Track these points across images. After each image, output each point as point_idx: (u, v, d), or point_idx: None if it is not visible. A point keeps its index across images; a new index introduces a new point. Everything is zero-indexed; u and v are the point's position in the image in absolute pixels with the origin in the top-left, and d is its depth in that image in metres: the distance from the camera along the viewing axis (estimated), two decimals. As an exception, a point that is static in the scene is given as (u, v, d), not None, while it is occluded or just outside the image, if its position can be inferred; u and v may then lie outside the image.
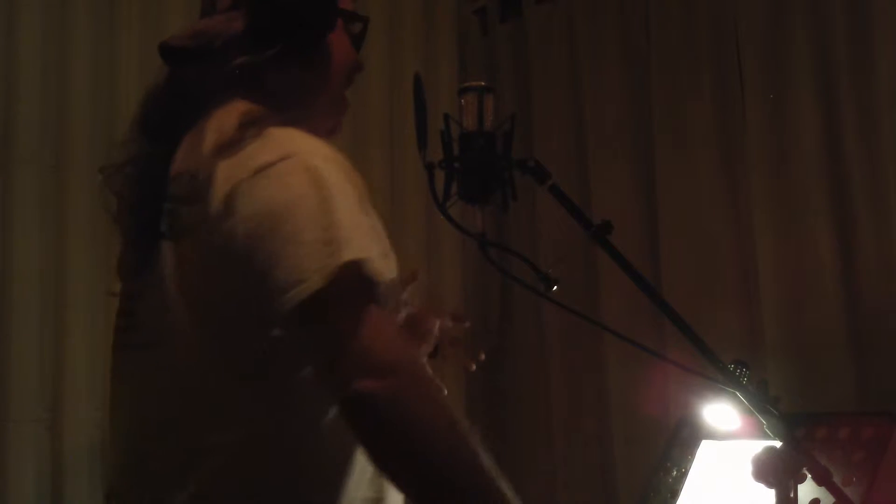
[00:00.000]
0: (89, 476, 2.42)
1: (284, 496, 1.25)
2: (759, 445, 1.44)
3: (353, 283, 1.14)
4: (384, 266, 1.19)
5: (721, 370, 1.45)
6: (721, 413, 2.02)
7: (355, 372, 1.12)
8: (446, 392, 1.23)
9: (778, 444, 1.42)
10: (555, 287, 1.47)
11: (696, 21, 2.84)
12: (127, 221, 1.39)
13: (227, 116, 1.29)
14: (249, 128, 1.25)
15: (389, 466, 1.16)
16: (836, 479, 1.42)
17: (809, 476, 1.42)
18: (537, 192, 1.51)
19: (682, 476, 2.17)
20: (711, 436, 2.15)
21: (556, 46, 3.14)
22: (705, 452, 2.18)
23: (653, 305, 1.50)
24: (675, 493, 2.15)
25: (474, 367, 1.79)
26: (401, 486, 1.20)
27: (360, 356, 1.12)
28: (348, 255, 1.14)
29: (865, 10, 2.49)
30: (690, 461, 2.19)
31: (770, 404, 1.43)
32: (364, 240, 1.18)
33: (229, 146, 1.23)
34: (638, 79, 2.96)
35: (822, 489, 1.44)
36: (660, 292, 1.60)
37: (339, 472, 1.28)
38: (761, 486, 1.43)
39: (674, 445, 2.26)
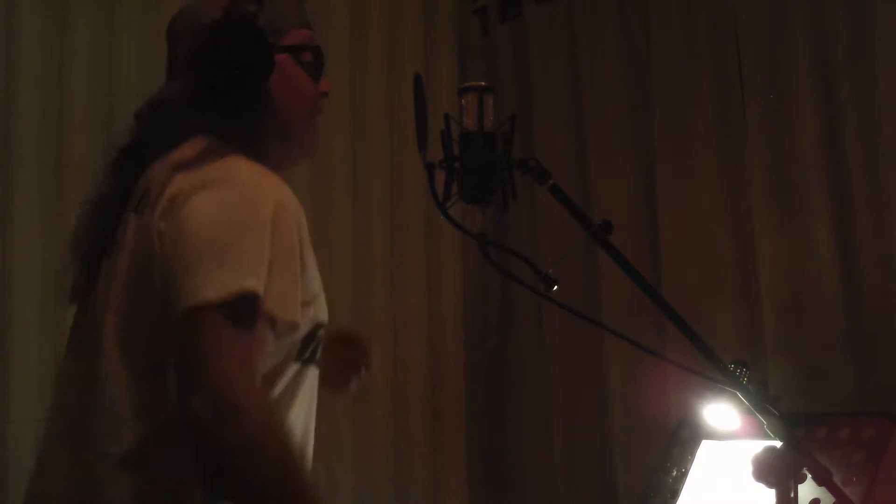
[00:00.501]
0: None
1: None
2: (759, 445, 1.44)
3: (242, 312, 1.23)
4: (285, 311, 1.28)
5: (721, 370, 1.45)
6: (721, 413, 2.02)
7: (202, 399, 1.19)
8: (288, 438, 1.28)
9: (778, 444, 1.42)
10: (555, 287, 1.47)
11: (696, 21, 2.84)
12: (78, 244, 1.52)
13: (191, 146, 1.40)
14: (212, 152, 1.37)
15: (210, 483, 1.24)
16: (836, 479, 1.42)
17: (809, 476, 1.42)
18: (537, 192, 1.51)
19: (682, 476, 2.17)
20: (711, 436, 2.15)
21: (556, 46, 3.14)
22: (705, 452, 2.18)
23: (653, 305, 1.50)
24: (675, 493, 2.15)
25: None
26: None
27: (215, 385, 1.19)
28: (249, 285, 1.23)
29: (865, 10, 2.49)
30: (690, 461, 2.19)
31: (770, 404, 1.43)
32: (258, 277, 1.25)
33: (188, 165, 1.35)
34: (638, 79, 2.96)
35: (822, 489, 1.43)
36: (660, 292, 1.60)
37: None
38: (761, 486, 1.43)
39: (674, 445, 2.26)
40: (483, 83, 1.50)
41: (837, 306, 2.49)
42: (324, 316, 1.43)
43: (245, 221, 1.28)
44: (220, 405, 1.18)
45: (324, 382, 1.49)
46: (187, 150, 1.39)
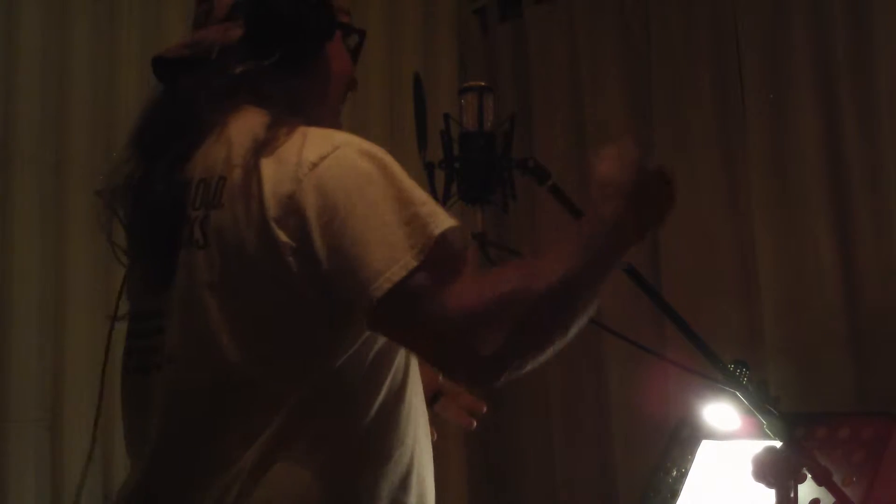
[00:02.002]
0: (89, 476, 2.42)
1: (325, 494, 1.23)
2: (759, 445, 1.44)
3: (444, 255, 1.16)
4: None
5: (721, 370, 1.46)
6: (721, 413, 2.02)
7: (466, 355, 1.14)
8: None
9: (778, 444, 1.42)
10: (555, 287, 1.46)
11: (696, 21, 2.84)
12: (136, 239, 1.37)
13: (249, 119, 1.28)
14: (280, 127, 1.24)
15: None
16: (836, 479, 1.43)
17: (809, 476, 1.42)
18: (537, 192, 1.51)
19: (682, 476, 2.17)
20: (711, 436, 2.15)
21: (556, 46, 3.14)
22: (705, 452, 2.18)
23: (653, 305, 1.50)
24: (675, 493, 2.15)
25: (475, 424, 1.76)
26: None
27: (467, 334, 1.14)
28: (436, 228, 1.16)
29: (865, 10, 2.48)
30: (690, 461, 2.19)
31: (770, 404, 1.43)
32: (441, 210, 1.19)
33: (266, 145, 1.22)
34: (638, 79, 2.96)
35: (822, 489, 1.44)
36: (660, 292, 1.60)
37: (377, 469, 1.27)
38: (761, 486, 1.43)
39: (674, 445, 2.26)
40: (483, 83, 1.50)
41: (837, 306, 2.49)
42: None
43: (389, 176, 1.19)
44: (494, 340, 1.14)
45: None
46: (247, 122, 1.27)
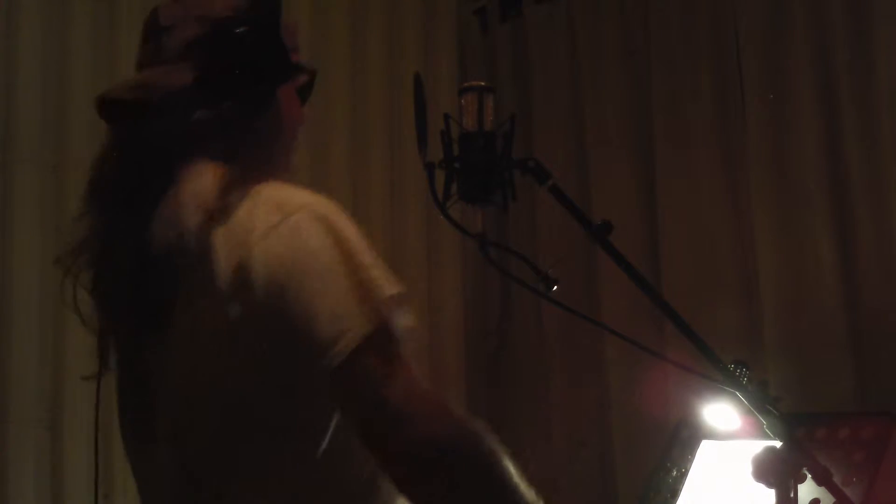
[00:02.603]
0: (89, 476, 2.42)
1: None
2: (759, 445, 1.44)
3: (395, 321, 1.13)
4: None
5: (721, 370, 1.45)
6: (721, 413, 2.02)
7: (403, 424, 1.10)
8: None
9: (778, 444, 1.42)
10: (555, 287, 1.47)
11: (696, 21, 2.84)
12: (110, 303, 1.32)
13: (201, 180, 1.22)
14: (232, 191, 1.19)
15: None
16: (836, 479, 1.42)
17: (809, 476, 1.42)
18: (537, 192, 1.51)
19: (682, 476, 2.17)
20: (711, 436, 2.15)
21: (557, 46, 3.14)
22: (705, 452, 2.18)
23: (653, 305, 1.50)
24: (675, 493, 2.15)
25: None
26: None
27: (407, 408, 1.10)
28: (384, 292, 1.13)
29: (865, 10, 2.49)
30: (690, 461, 2.19)
31: (770, 404, 1.43)
32: (388, 276, 1.16)
33: (219, 213, 1.18)
34: (638, 79, 2.96)
35: (822, 489, 1.43)
36: (660, 292, 1.60)
37: None
38: (761, 486, 1.43)
39: (674, 445, 2.26)
40: (483, 83, 1.50)
41: (837, 306, 2.49)
42: None
43: (340, 242, 1.15)
44: (435, 431, 1.10)
45: None
46: (198, 183, 1.21)
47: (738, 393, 1.45)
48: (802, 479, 1.42)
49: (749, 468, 1.44)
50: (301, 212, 1.16)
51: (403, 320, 1.15)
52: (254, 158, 1.26)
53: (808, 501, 1.73)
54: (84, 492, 2.41)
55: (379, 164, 3.10)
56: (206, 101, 1.26)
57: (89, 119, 2.49)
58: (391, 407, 1.10)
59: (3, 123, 2.44)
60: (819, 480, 1.41)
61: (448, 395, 3.10)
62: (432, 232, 3.14)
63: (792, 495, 1.41)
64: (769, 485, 1.42)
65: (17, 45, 2.46)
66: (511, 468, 1.18)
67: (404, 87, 2.99)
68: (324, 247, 1.14)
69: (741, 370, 1.50)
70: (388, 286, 1.14)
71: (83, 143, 2.50)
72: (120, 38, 2.60)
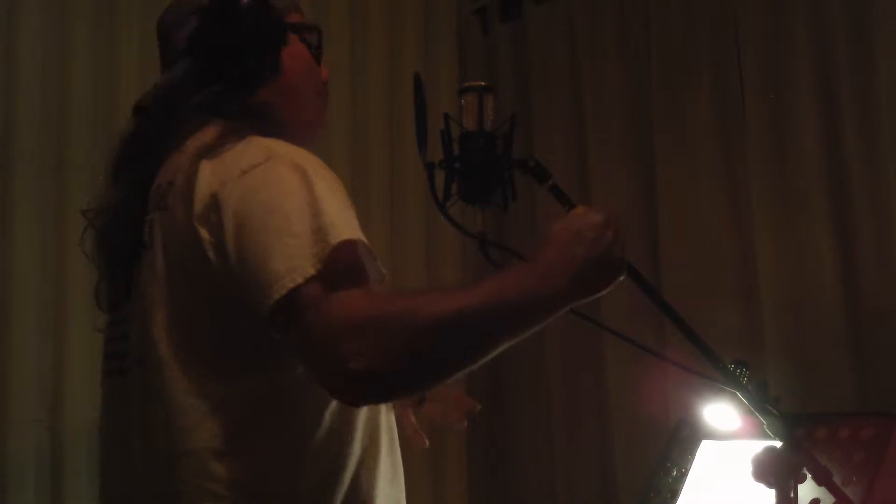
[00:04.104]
0: (89, 476, 2.42)
1: (286, 495, 1.26)
2: (759, 445, 1.44)
3: (345, 265, 1.15)
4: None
5: (721, 370, 1.45)
6: (721, 413, 2.02)
7: (333, 364, 1.11)
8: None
9: (778, 444, 1.42)
10: (555, 287, 1.46)
11: (696, 21, 2.84)
12: (103, 254, 1.43)
13: (209, 131, 1.33)
14: (229, 136, 1.28)
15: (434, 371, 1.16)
16: (836, 479, 1.42)
17: (809, 476, 1.42)
18: (537, 192, 1.51)
19: (682, 476, 2.17)
20: (711, 436, 2.15)
21: (556, 46, 3.14)
22: (705, 452, 2.18)
23: (653, 305, 1.50)
24: (675, 493, 2.15)
25: (466, 424, 1.78)
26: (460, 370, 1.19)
27: (339, 342, 1.10)
28: (336, 238, 1.15)
29: (865, 10, 2.48)
30: (690, 461, 2.19)
31: (770, 404, 1.43)
32: (353, 223, 1.19)
33: (210, 149, 1.27)
34: (638, 79, 2.96)
35: (822, 489, 1.43)
36: (660, 292, 1.60)
37: (340, 468, 1.29)
38: (761, 486, 1.43)
39: (674, 445, 2.26)
40: (483, 83, 1.50)
41: (837, 306, 2.49)
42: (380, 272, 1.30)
43: (311, 188, 1.19)
44: (367, 336, 1.10)
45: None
46: (204, 136, 1.33)
47: (738, 393, 1.45)
48: (802, 479, 1.42)
49: (749, 468, 1.44)
50: (281, 157, 1.23)
51: (363, 264, 1.17)
52: (267, 121, 1.35)
53: (808, 501, 1.73)
54: (84, 492, 2.41)
55: (379, 164, 3.10)
56: (214, 82, 1.37)
57: (89, 119, 2.52)
58: (317, 333, 1.12)
59: (3, 123, 2.44)
60: (819, 480, 1.41)
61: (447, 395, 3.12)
62: (432, 232, 3.14)
63: (792, 495, 1.40)
64: (769, 485, 1.42)
65: (17, 45, 2.46)
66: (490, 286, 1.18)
67: (404, 87, 2.99)
68: (291, 189, 1.19)
69: (741, 370, 1.50)
70: (346, 231, 1.17)
71: (83, 143, 2.51)
72: (120, 38, 2.60)
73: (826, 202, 2.53)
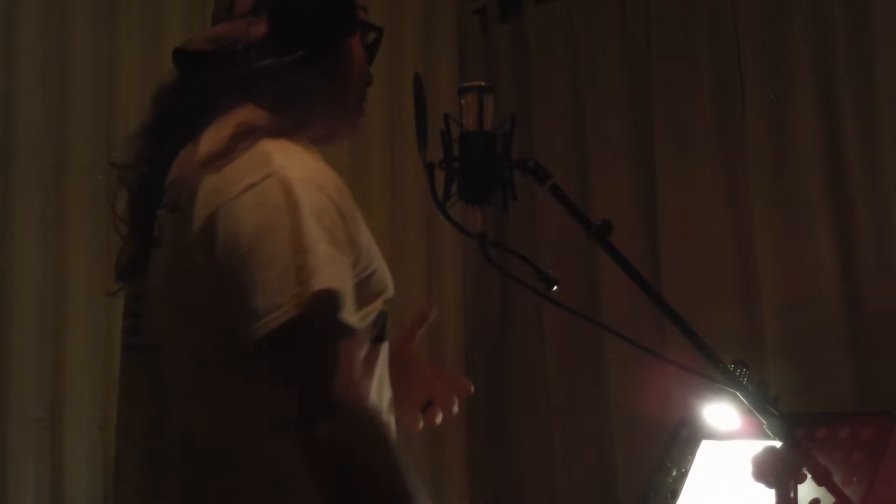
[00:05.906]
0: (89, 476, 2.42)
1: (267, 494, 1.27)
2: (759, 445, 1.44)
3: (323, 313, 1.16)
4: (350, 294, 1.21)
5: (721, 370, 1.45)
6: (721, 413, 2.02)
7: (312, 410, 1.14)
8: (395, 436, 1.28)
9: (778, 444, 1.42)
10: (555, 287, 1.47)
11: (696, 21, 2.84)
12: (129, 222, 1.42)
13: (223, 126, 1.29)
14: (241, 140, 1.25)
15: (332, 499, 1.19)
16: (836, 479, 1.42)
17: (809, 476, 1.42)
18: (537, 192, 1.51)
19: (682, 476, 2.17)
20: (711, 436, 2.15)
21: (556, 46, 3.14)
22: (705, 452, 2.18)
23: (653, 305, 1.50)
24: (675, 493, 2.15)
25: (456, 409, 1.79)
26: None
27: (319, 396, 1.15)
28: (317, 284, 1.16)
29: (865, 10, 2.49)
30: (690, 461, 2.19)
31: (770, 404, 1.43)
32: (335, 268, 1.19)
33: (217, 158, 1.25)
34: (638, 79, 2.96)
35: (822, 489, 1.43)
36: (660, 292, 1.60)
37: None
38: (761, 486, 1.43)
39: (674, 445, 2.26)
40: (483, 83, 1.50)
41: (837, 306, 2.49)
42: (383, 286, 1.33)
43: (297, 221, 1.18)
44: (339, 416, 1.14)
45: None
46: (220, 129, 1.28)
47: (738, 393, 1.45)
48: (802, 479, 1.42)
49: (749, 468, 1.44)
50: (277, 176, 1.20)
51: (336, 315, 1.17)
52: (301, 106, 1.33)
53: (808, 501, 1.73)
54: (84, 492, 2.41)
55: (379, 164, 3.10)
56: (277, 53, 1.33)
57: (89, 119, 2.52)
58: (301, 375, 1.16)
59: (3, 123, 2.44)
60: (819, 480, 1.41)
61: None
62: (432, 232, 3.14)
63: (792, 495, 1.41)
64: (769, 485, 1.42)
65: (17, 45, 2.46)
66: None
67: (404, 87, 2.99)
68: (276, 223, 1.18)
69: (741, 370, 1.50)
70: (323, 278, 1.16)
71: (83, 143, 2.50)
72: (120, 38, 2.60)
73: (826, 202, 2.54)
